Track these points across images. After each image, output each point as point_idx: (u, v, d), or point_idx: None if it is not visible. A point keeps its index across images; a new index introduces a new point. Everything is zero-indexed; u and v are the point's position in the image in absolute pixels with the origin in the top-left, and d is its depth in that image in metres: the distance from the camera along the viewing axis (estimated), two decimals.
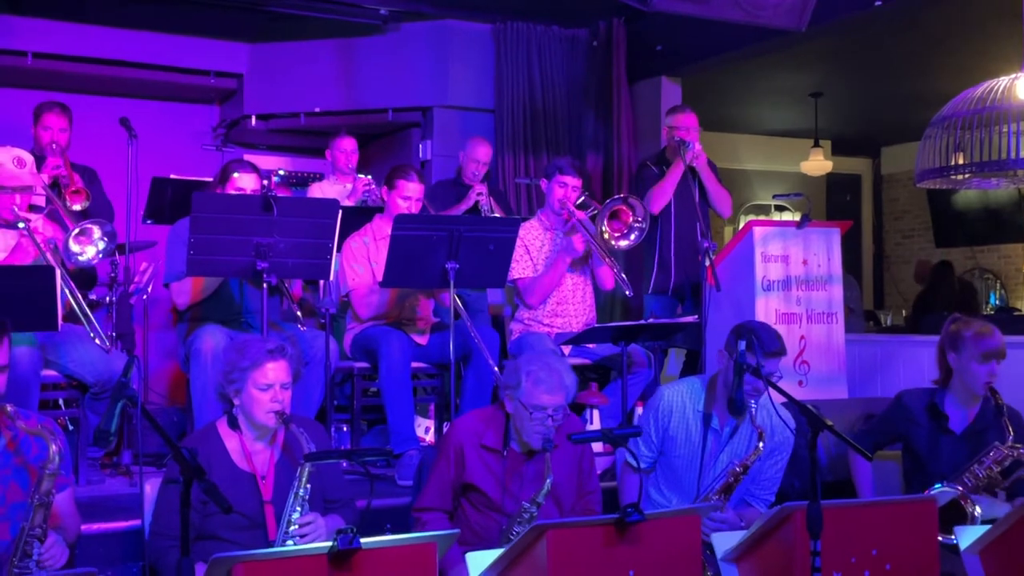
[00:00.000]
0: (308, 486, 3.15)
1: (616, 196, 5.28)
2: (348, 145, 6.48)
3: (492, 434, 3.55)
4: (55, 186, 5.04)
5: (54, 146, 5.22)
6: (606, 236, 5.15)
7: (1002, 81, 4.81)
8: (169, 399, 6.45)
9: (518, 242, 4.89)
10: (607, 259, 5.20)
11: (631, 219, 5.17)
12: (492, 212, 6.11)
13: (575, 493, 3.65)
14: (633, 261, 6.06)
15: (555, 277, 5.25)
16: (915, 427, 4.10)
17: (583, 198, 5.37)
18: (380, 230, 5.01)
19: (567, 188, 5.29)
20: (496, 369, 4.64)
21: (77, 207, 4.95)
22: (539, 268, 5.29)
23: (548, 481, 3.32)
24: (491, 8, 7.51)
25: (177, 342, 4.72)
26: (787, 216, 11.78)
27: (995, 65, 7.20)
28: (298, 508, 3.15)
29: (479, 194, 6.17)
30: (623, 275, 5.20)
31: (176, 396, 6.31)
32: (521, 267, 5.25)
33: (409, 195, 4.94)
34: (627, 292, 5.19)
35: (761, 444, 3.61)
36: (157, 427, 2.79)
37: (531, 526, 3.24)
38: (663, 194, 5.75)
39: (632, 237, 5.18)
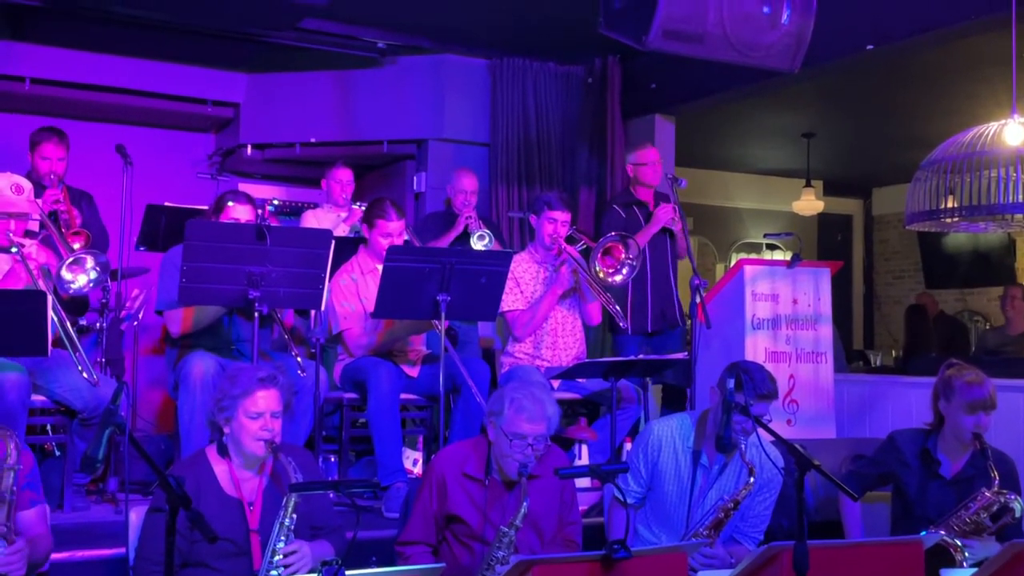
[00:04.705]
0: (294, 516, 3.14)
1: (611, 234, 5.31)
2: (344, 176, 6.51)
3: (474, 462, 3.56)
4: (53, 216, 5.04)
5: (52, 176, 5.22)
6: (601, 275, 5.18)
7: (992, 126, 4.85)
8: (157, 427, 6.42)
9: (508, 275, 4.91)
10: (601, 295, 5.23)
11: (623, 256, 5.21)
12: (482, 229, 6.12)
13: (556, 523, 3.64)
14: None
15: (544, 310, 5.27)
16: (905, 469, 4.10)
17: (572, 232, 5.40)
18: (366, 264, 5.03)
19: (557, 223, 5.32)
20: (480, 401, 4.64)
21: (76, 246, 4.94)
22: (529, 301, 5.31)
23: (525, 504, 3.32)
24: (488, 43, 7.57)
25: (166, 369, 4.71)
26: (778, 255, 11.82)
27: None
28: (283, 538, 3.13)
29: (468, 217, 6.19)
30: (616, 307, 5.23)
31: (164, 424, 6.28)
32: (511, 299, 5.26)
33: (390, 232, 4.97)
34: (621, 324, 5.23)
35: (752, 479, 3.61)
36: (144, 455, 2.78)
37: (510, 550, 3.25)
38: None
39: (624, 272, 5.22)
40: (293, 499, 3.14)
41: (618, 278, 5.22)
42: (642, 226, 5.92)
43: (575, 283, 5.32)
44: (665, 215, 5.83)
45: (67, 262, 4.05)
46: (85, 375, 4.08)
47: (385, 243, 4.91)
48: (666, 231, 5.94)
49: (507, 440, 3.44)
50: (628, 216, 5.97)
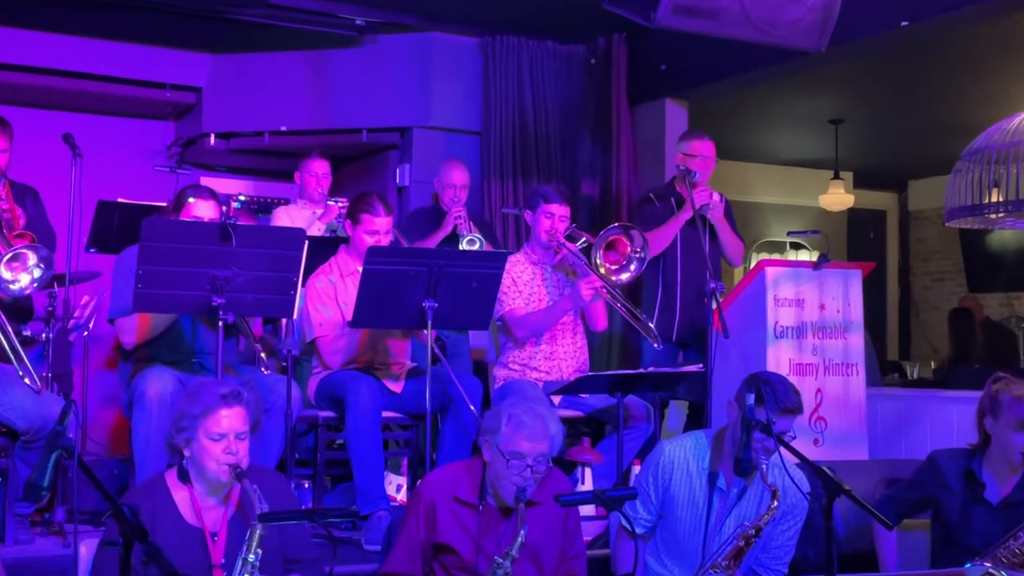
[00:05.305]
0: (259, 551, 3.12)
1: (613, 225, 5.28)
2: (320, 168, 6.50)
3: (467, 486, 3.55)
4: None
5: None
6: (603, 270, 5.15)
7: None
8: (109, 449, 6.42)
9: (504, 276, 4.90)
10: (619, 303, 5.20)
11: (629, 249, 5.17)
12: (472, 233, 6.11)
13: (558, 556, 3.64)
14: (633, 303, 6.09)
15: (550, 321, 5.26)
16: (947, 493, 4.10)
17: (571, 230, 5.39)
18: (347, 266, 5.01)
19: (554, 218, 5.32)
20: (476, 414, 4.64)
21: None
22: (529, 302, 5.30)
23: (522, 533, 3.31)
24: (480, 20, 7.56)
25: (120, 385, 4.70)
26: (803, 255, 11.85)
27: None
28: (246, 575, 3.11)
29: (457, 217, 6.19)
30: (649, 324, 5.21)
31: (117, 446, 6.28)
32: (510, 298, 5.25)
33: (376, 229, 4.94)
34: (656, 345, 5.21)
35: (775, 503, 3.60)
36: (95, 481, 2.77)
37: None
38: (663, 239, 5.75)
39: (632, 268, 5.18)
40: (258, 530, 3.11)
41: (624, 276, 5.18)
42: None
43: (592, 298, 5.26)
44: (700, 197, 5.64)
45: (5, 258, 4.03)
46: (27, 381, 4.06)
47: (370, 241, 4.89)
48: (708, 226, 5.76)
49: (504, 461, 3.43)
50: (662, 207, 5.92)
